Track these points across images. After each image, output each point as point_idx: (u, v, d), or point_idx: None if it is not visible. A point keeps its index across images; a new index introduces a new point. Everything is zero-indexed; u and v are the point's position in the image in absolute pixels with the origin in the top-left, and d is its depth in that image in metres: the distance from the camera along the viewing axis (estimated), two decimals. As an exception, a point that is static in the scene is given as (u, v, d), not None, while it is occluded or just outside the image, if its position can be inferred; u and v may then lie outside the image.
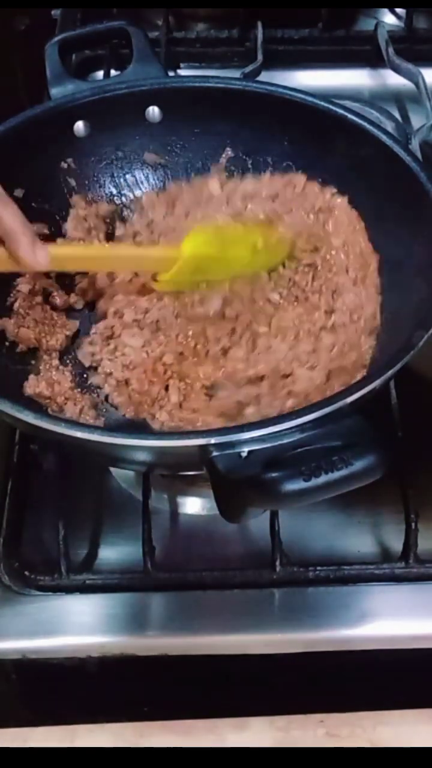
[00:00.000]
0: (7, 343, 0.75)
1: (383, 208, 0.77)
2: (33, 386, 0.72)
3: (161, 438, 0.63)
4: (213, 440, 0.56)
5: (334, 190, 0.79)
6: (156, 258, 0.75)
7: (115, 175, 0.83)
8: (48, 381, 0.73)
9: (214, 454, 0.56)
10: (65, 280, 0.79)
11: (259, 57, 0.97)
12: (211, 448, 0.56)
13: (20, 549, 0.70)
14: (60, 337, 0.76)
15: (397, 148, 0.74)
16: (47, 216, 0.80)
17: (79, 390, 0.73)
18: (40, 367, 0.74)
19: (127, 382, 0.73)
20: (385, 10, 1.09)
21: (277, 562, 0.67)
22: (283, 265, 0.78)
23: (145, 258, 0.76)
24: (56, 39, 0.81)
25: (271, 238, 0.77)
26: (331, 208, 0.79)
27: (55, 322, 0.77)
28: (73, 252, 0.74)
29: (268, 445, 0.56)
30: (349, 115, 0.78)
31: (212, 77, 0.84)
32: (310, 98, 0.79)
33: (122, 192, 0.84)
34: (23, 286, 0.76)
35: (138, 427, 0.70)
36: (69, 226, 0.81)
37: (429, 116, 0.91)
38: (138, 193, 0.84)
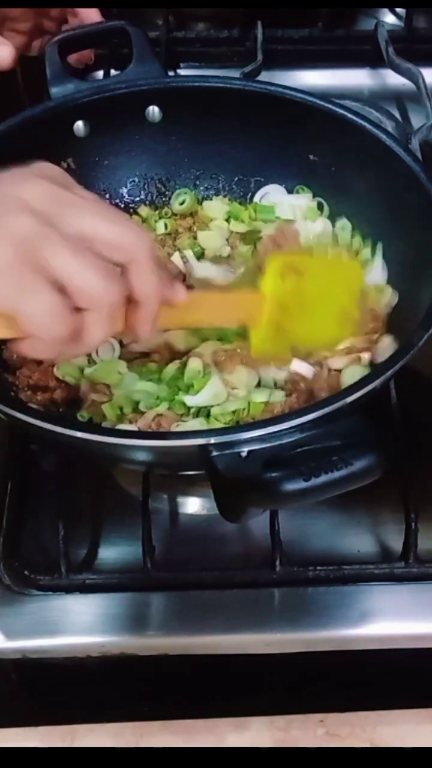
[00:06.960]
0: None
1: (383, 209, 0.77)
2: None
3: (161, 438, 0.63)
4: (213, 440, 0.56)
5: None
6: (239, 303, 0.64)
7: (116, 175, 0.84)
8: None
9: (214, 453, 0.56)
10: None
11: (259, 57, 0.97)
12: (210, 448, 0.56)
13: (20, 549, 0.70)
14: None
15: (397, 148, 0.74)
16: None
17: None
18: None
19: None
20: (385, 10, 1.09)
21: (277, 562, 0.67)
22: None
23: (229, 303, 0.64)
24: (56, 39, 0.81)
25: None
26: None
27: None
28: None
29: (268, 445, 0.56)
30: (349, 115, 0.78)
31: (212, 77, 0.84)
32: (309, 98, 0.79)
33: (122, 195, 0.84)
34: None
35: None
36: None
37: (429, 116, 0.91)
38: (138, 195, 0.84)
